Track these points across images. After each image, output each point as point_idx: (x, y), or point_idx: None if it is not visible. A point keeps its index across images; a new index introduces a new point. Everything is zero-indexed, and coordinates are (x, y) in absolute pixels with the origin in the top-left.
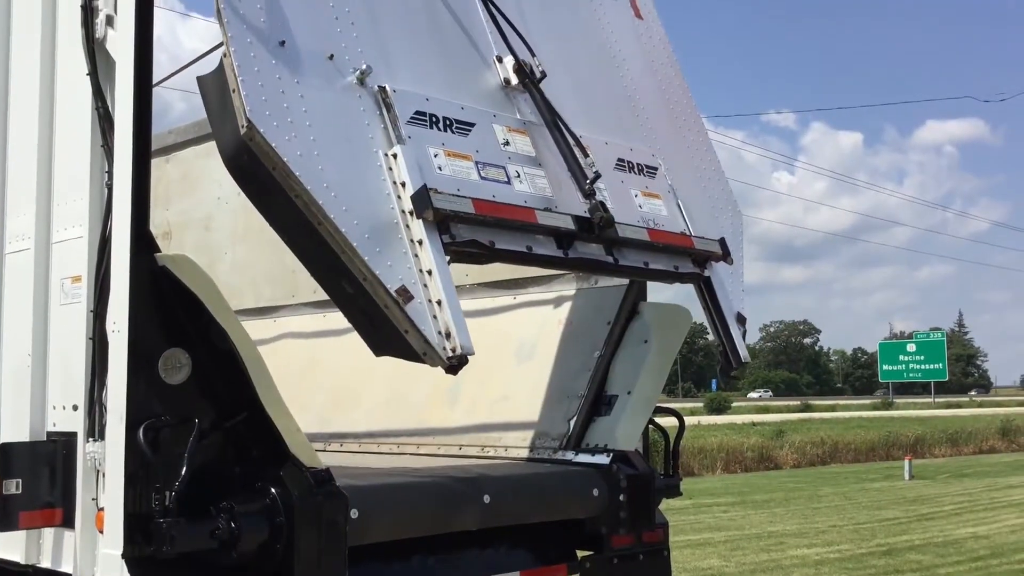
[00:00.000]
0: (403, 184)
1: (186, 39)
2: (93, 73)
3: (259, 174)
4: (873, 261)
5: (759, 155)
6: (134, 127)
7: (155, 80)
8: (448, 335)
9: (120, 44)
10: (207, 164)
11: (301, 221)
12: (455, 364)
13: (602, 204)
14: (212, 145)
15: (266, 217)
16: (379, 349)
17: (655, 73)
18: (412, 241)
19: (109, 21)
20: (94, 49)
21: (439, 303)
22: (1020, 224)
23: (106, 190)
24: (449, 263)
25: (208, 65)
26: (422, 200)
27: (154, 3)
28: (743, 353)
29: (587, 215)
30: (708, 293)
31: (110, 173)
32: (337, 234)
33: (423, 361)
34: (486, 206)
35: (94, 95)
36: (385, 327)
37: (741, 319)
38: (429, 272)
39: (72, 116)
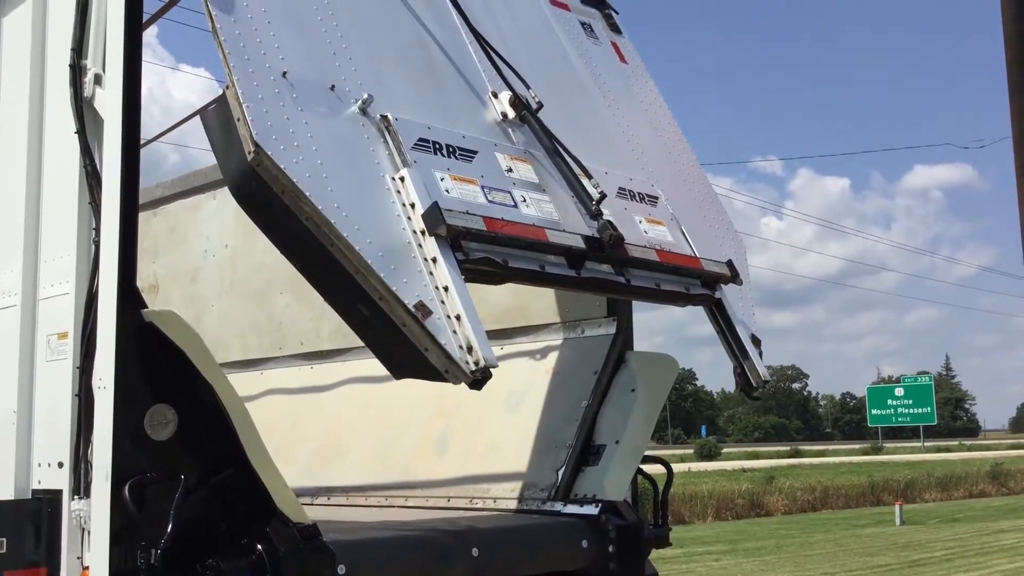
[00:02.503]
0: (412, 205)
1: (176, 91)
2: (81, 131)
3: (268, 200)
4: (861, 306)
5: (747, 202)
6: (122, 184)
7: (146, 137)
8: (470, 349)
9: (108, 103)
10: (194, 217)
11: (313, 245)
12: (479, 379)
13: (610, 223)
14: (199, 199)
15: (277, 244)
16: (399, 372)
17: (645, 111)
18: (426, 260)
19: (97, 80)
20: (82, 108)
21: (458, 318)
22: (1007, 268)
23: (93, 247)
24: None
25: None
26: (434, 217)
27: (142, 62)
28: (763, 372)
29: (596, 235)
30: (720, 315)
31: (97, 230)
32: (351, 252)
33: (445, 379)
34: (497, 224)
35: (82, 153)
36: (404, 347)
37: (756, 340)
38: (446, 288)
39: (60, 173)
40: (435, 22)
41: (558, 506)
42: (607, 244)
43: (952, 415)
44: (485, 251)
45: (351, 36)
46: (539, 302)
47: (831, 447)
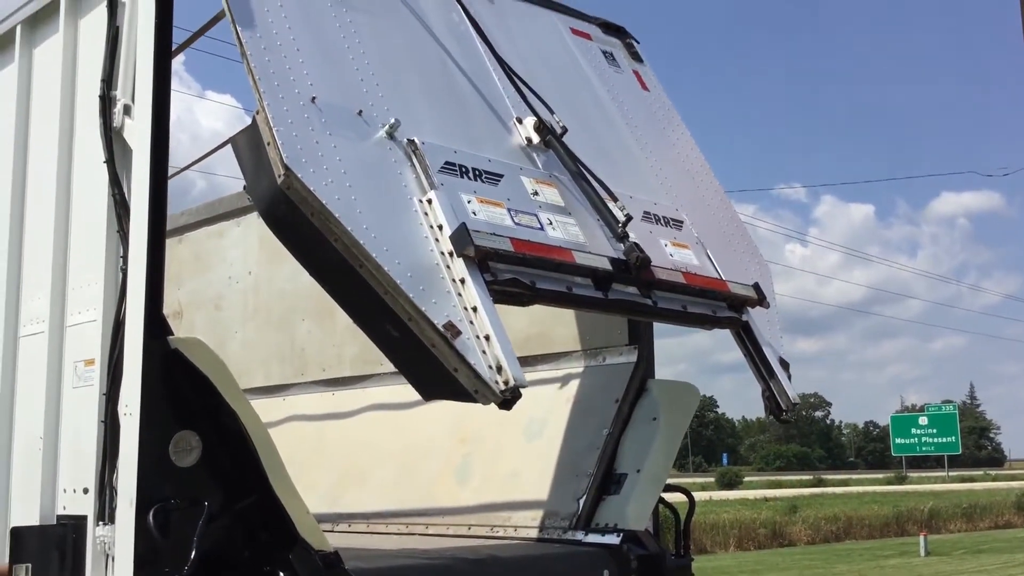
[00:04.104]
0: (440, 227)
1: (203, 118)
2: (110, 161)
3: (298, 222)
4: (885, 334)
5: (771, 229)
6: (149, 213)
7: (173, 167)
8: (499, 369)
9: (137, 133)
10: (219, 244)
11: (342, 266)
12: (508, 399)
13: (637, 245)
14: (223, 226)
15: (306, 266)
16: (429, 393)
17: (668, 137)
18: (454, 281)
19: (127, 111)
20: (111, 137)
21: (487, 338)
22: None
23: (120, 274)
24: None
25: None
26: (462, 238)
27: (171, 93)
28: (792, 395)
29: (623, 257)
30: (748, 338)
31: (125, 258)
32: (380, 273)
33: (475, 400)
34: (524, 245)
35: (111, 182)
36: (433, 368)
37: (784, 363)
38: (475, 309)
39: (88, 202)
40: (460, 49)
41: (579, 535)
42: (634, 266)
43: (977, 444)
44: (513, 272)
45: (378, 63)
46: (560, 329)
47: (854, 476)
